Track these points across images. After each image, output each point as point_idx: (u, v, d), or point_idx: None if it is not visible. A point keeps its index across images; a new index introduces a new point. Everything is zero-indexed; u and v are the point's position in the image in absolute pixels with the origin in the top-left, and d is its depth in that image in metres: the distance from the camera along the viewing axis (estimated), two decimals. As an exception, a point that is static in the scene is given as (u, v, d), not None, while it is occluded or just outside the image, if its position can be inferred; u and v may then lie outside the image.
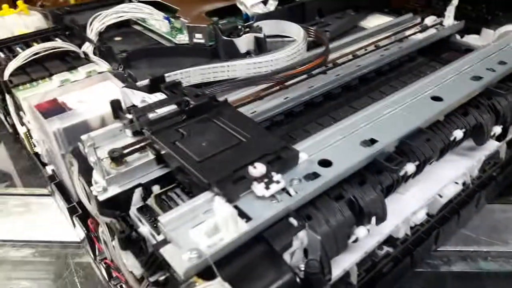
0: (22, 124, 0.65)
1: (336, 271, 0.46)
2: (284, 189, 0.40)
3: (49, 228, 0.62)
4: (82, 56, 0.70)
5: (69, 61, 0.67)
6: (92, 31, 0.72)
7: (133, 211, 0.45)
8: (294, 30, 0.71)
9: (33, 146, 0.65)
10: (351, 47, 0.73)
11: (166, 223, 0.37)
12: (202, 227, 0.37)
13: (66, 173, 0.55)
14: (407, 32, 0.78)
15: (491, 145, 0.65)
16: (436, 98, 0.55)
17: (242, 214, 0.38)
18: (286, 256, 0.38)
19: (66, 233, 0.59)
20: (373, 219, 0.49)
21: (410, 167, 0.51)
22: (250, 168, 0.40)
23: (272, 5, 0.81)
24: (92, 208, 0.46)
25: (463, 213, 0.57)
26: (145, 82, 0.55)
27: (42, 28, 0.81)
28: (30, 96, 0.57)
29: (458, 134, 0.57)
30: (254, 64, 0.61)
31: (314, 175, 0.43)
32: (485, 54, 0.67)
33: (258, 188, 0.39)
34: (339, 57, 0.69)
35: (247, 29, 0.71)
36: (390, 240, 0.53)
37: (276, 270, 0.35)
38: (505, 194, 0.65)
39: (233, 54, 0.68)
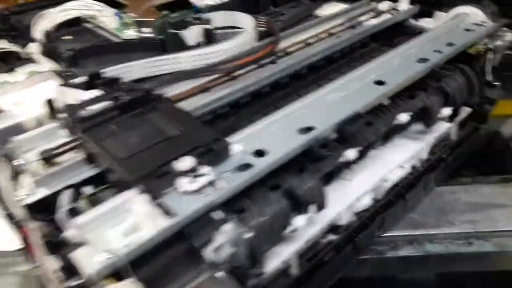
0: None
1: (274, 263, 0.46)
2: (212, 183, 0.40)
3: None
4: (23, 56, 0.68)
5: (9, 62, 0.66)
6: (38, 31, 0.71)
7: (60, 214, 0.44)
8: (245, 21, 0.70)
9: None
10: (303, 35, 0.72)
11: (81, 225, 0.36)
12: (121, 227, 0.36)
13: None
14: (361, 18, 0.78)
15: (441, 127, 0.65)
16: (379, 82, 0.55)
17: (167, 211, 0.37)
18: (210, 252, 0.37)
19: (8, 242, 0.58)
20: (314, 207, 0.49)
21: (350, 153, 0.51)
22: (176, 163, 0.40)
23: (224, -4, 0.79)
24: (21, 212, 0.45)
25: (410, 197, 0.57)
26: (83, 79, 0.54)
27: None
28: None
29: (403, 117, 0.57)
30: (199, 55, 0.60)
31: (247, 166, 0.42)
32: (433, 36, 0.67)
33: (182, 183, 0.39)
34: (290, 46, 0.69)
35: (197, 21, 0.70)
36: (334, 228, 0.53)
37: (193, 268, 0.35)
38: (455, 175, 0.66)
39: (182, 47, 0.67)
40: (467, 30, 0.70)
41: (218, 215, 0.38)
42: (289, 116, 0.49)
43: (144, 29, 0.71)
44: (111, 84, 0.53)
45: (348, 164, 0.53)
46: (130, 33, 0.74)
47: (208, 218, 0.38)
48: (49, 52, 0.70)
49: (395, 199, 0.56)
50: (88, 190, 0.45)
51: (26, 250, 0.52)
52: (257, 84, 0.60)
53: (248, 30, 0.66)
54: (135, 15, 0.73)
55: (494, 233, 0.56)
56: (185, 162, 0.39)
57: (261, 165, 0.42)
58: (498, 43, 0.72)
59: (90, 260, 0.33)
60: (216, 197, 0.38)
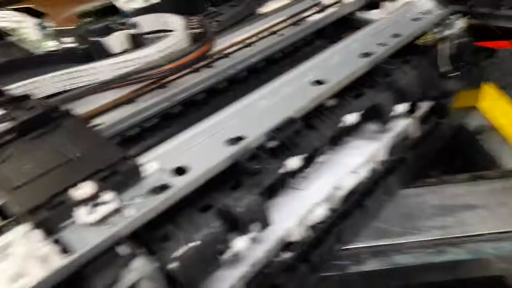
0: None
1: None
2: (120, 210, 0.33)
3: None
4: None
5: None
6: None
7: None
8: (174, 22, 0.64)
9: None
10: (242, 35, 0.65)
11: None
12: (5, 270, 0.29)
13: None
14: (305, 14, 0.72)
15: (398, 125, 0.60)
16: (317, 82, 0.49)
17: (64, 248, 0.30)
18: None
19: None
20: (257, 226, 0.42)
21: (293, 162, 0.45)
22: (72, 191, 0.32)
23: (153, -2, 0.73)
24: None
25: (370, 203, 0.51)
26: (-22, 99, 0.46)
27: None
28: None
29: (351, 118, 0.51)
30: (119, 63, 0.53)
31: (162, 188, 0.35)
32: (377, 28, 0.62)
33: (80, 214, 0.31)
34: (228, 47, 0.62)
35: (122, 27, 0.62)
36: (286, 246, 0.46)
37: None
38: (420, 176, 0.60)
39: (107, 55, 0.60)
40: (414, 19, 0.66)
41: (124, 249, 0.30)
42: (216, 127, 0.43)
43: (66, 39, 0.64)
44: (15, 102, 0.45)
45: (294, 174, 0.47)
46: (51, 44, 0.66)
47: (113, 254, 0.30)
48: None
49: (353, 208, 0.49)
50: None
51: None
52: (188, 90, 0.53)
53: (177, 32, 0.60)
54: (55, 24, 0.66)
55: (466, 239, 0.50)
56: (83, 189, 0.32)
57: (180, 185, 0.35)
58: (449, 31, 0.68)
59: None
60: (122, 228, 0.31)
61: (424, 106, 0.65)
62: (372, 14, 0.75)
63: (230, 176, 0.42)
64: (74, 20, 0.65)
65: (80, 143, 0.38)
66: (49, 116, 0.41)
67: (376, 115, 0.55)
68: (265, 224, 0.42)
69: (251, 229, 0.41)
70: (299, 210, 0.47)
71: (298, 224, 0.46)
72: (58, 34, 0.64)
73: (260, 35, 0.65)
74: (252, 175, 0.42)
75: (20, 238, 0.30)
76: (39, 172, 0.35)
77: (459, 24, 0.70)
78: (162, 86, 0.54)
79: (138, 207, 0.33)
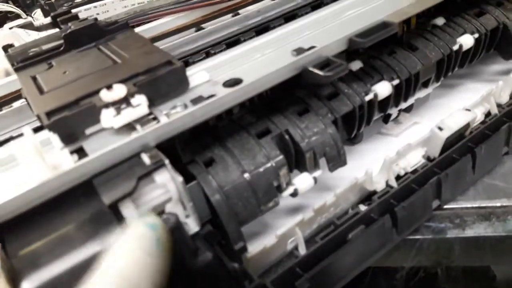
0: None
1: (268, 240, 0.32)
2: (154, 119, 0.28)
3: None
4: (24, 17, 0.62)
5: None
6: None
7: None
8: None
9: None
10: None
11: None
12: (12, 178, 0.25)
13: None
14: None
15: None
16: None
17: (80, 152, 0.26)
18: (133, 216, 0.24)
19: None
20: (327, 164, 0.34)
21: (382, 87, 0.36)
22: (103, 92, 0.28)
23: None
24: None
25: (482, 152, 0.39)
26: (46, 20, 0.45)
27: None
28: None
29: (467, 40, 0.40)
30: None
31: (208, 97, 0.29)
32: None
33: (105, 116, 0.27)
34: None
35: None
36: (365, 196, 0.37)
37: (96, 235, 0.22)
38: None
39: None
40: None
41: (147, 159, 0.25)
42: (284, 38, 0.35)
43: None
44: (70, 21, 0.43)
45: (383, 107, 0.38)
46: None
47: (132, 163, 0.25)
48: (49, 11, 0.62)
49: (460, 156, 0.38)
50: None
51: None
52: (261, 15, 0.46)
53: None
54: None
55: None
56: (114, 91, 0.27)
57: (225, 93, 0.28)
58: None
59: None
60: (144, 134, 0.26)
61: None
62: None
63: (297, 101, 0.34)
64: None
65: (128, 50, 0.33)
66: (103, 29, 0.38)
67: (501, 42, 0.43)
68: (338, 161, 0.33)
69: (319, 165, 0.33)
70: (384, 153, 0.38)
71: (383, 169, 0.37)
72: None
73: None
74: (327, 99, 0.34)
75: (29, 140, 0.26)
76: (74, 77, 0.31)
77: None
78: (235, 12, 0.48)
79: (174, 115, 0.27)
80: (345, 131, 0.36)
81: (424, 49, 0.38)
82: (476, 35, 0.41)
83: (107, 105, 0.27)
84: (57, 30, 0.43)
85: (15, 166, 0.27)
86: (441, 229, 0.38)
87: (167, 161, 0.25)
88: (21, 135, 0.37)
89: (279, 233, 0.32)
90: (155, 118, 0.28)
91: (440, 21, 0.41)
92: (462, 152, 0.39)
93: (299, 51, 0.32)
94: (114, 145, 0.25)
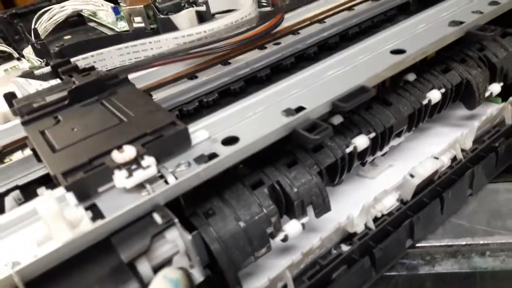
0: None
1: (259, 281, 0.36)
2: (162, 177, 0.31)
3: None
4: (16, 56, 0.64)
5: None
6: (38, 31, 0.66)
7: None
8: (244, 0, 0.61)
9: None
10: (314, 11, 0.61)
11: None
12: (35, 233, 0.28)
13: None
14: (386, -10, 0.66)
15: (490, 109, 0.52)
16: (397, 51, 0.43)
17: (99, 214, 0.28)
18: (147, 269, 0.27)
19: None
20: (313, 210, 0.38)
21: (361, 140, 0.40)
22: (114, 153, 0.31)
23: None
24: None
25: (449, 196, 0.44)
26: (46, 69, 0.47)
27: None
28: None
29: (435, 95, 0.45)
30: (183, 37, 0.52)
31: (211, 157, 0.32)
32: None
33: (118, 178, 0.29)
34: (298, 23, 0.58)
35: (191, 5, 0.62)
36: (346, 238, 0.41)
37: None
38: (512, 169, 0.51)
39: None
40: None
41: (158, 218, 0.28)
42: (276, 97, 0.39)
43: (136, 19, 0.64)
44: (74, 73, 0.46)
45: (361, 156, 0.42)
46: (124, 25, 0.68)
47: (145, 222, 0.28)
48: (40, 50, 0.64)
49: (430, 200, 0.43)
50: (41, 192, 0.38)
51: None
52: (250, 66, 0.50)
53: (245, 7, 0.57)
54: (127, 3, 0.66)
55: None
56: (125, 152, 0.30)
57: (226, 153, 0.32)
58: None
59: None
60: (156, 195, 0.29)
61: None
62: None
63: (286, 153, 0.38)
64: (144, 0, 0.66)
65: (132, 108, 0.36)
66: (105, 84, 0.41)
67: (465, 95, 0.48)
68: (323, 208, 0.37)
69: (307, 212, 0.37)
70: (364, 198, 0.42)
71: (362, 213, 0.41)
72: (130, 14, 0.65)
73: (334, 11, 0.61)
74: (313, 152, 0.38)
75: (52, 201, 0.29)
76: (84, 135, 0.34)
77: None
78: (226, 62, 0.52)
79: (181, 174, 0.30)
80: (328, 179, 0.40)
81: (397, 104, 0.43)
82: (443, 90, 0.46)
83: (119, 167, 0.30)
84: (57, 80, 0.46)
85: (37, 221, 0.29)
86: (414, 265, 0.43)
87: (176, 220, 0.28)
88: (28, 184, 0.40)
89: (271, 276, 0.35)
90: (162, 177, 0.31)
91: (411, 77, 0.46)
92: (431, 196, 0.43)
93: (288, 112, 0.36)
94: (129, 207, 0.27)
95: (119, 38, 0.64)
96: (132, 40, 0.61)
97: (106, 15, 0.72)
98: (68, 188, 0.29)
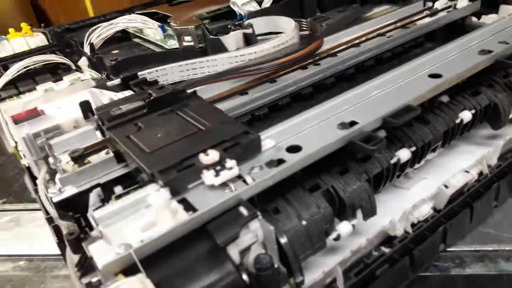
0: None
1: (314, 274, 0.40)
2: (240, 177, 0.36)
3: (35, 242, 0.60)
4: (73, 68, 0.70)
5: (58, 73, 0.67)
6: (88, 46, 0.72)
7: (90, 213, 0.42)
8: (285, 23, 0.67)
9: (21, 158, 0.64)
10: (350, 36, 0.67)
11: (100, 218, 0.33)
12: (139, 222, 0.33)
13: (40, 181, 0.53)
14: (415, 17, 0.72)
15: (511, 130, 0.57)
16: (434, 76, 0.48)
17: (189, 207, 0.33)
18: (235, 253, 0.32)
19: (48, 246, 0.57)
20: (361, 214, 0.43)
21: (403, 153, 0.45)
22: (201, 156, 0.36)
23: (267, 3, 0.77)
24: (52, 211, 0.44)
25: (477, 206, 0.49)
26: (117, 81, 0.53)
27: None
28: (10, 106, 0.57)
29: (466, 115, 0.50)
30: (235, 57, 0.58)
31: (278, 162, 0.37)
32: (499, 28, 0.59)
33: (207, 176, 0.35)
34: (336, 47, 0.64)
35: (237, 27, 0.68)
36: (387, 240, 0.46)
37: (215, 267, 0.30)
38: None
39: (222, 52, 0.65)
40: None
41: (244, 211, 0.33)
42: (329, 112, 0.44)
43: (186, 38, 0.70)
44: (142, 85, 0.52)
45: (402, 168, 0.47)
46: (173, 43, 0.74)
47: (236, 213, 0.33)
48: (95, 63, 0.70)
49: (460, 209, 0.48)
50: (119, 190, 0.43)
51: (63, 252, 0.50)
52: (296, 85, 0.56)
53: (288, 32, 0.63)
54: (177, 24, 0.73)
55: None
56: (210, 156, 0.36)
57: (294, 160, 0.37)
58: None
59: (103, 255, 0.29)
60: (242, 192, 0.34)
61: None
62: (489, 19, 0.72)
63: (338, 162, 0.43)
64: (194, 21, 0.72)
65: (206, 118, 0.42)
66: (178, 96, 0.46)
67: (492, 116, 0.53)
68: (370, 212, 0.42)
69: (356, 215, 0.42)
70: (401, 205, 0.47)
71: (402, 219, 0.45)
72: (179, 33, 0.71)
73: (367, 36, 0.67)
74: (362, 161, 0.43)
75: (154, 193, 0.34)
76: (169, 141, 0.39)
77: None
78: (272, 80, 0.58)
79: (256, 175, 0.36)
80: (374, 186, 0.45)
81: (434, 122, 0.48)
82: (473, 111, 0.51)
83: (206, 167, 0.35)
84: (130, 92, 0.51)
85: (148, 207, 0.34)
86: (446, 267, 0.48)
87: (259, 213, 0.33)
88: (108, 182, 0.44)
89: (326, 270, 0.40)
90: (240, 177, 0.36)
91: (445, 98, 0.52)
92: (462, 205, 0.48)
93: (343, 125, 0.41)
94: (220, 201, 0.33)
95: (170, 55, 0.70)
96: (182, 57, 0.67)
97: (154, 32, 0.78)
98: (165, 184, 0.34)
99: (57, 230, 0.51)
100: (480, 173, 0.52)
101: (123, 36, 0.87)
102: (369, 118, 0.41)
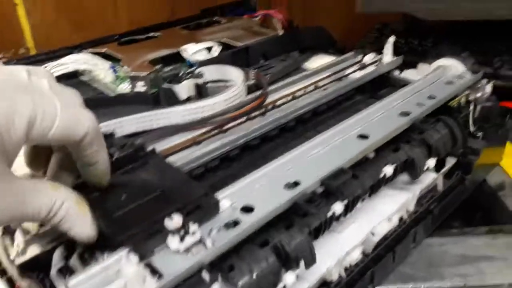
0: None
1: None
2: (201, 241, 0.41)
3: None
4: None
5: None
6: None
7: (52, 273, 0.44)
8: (235, 74, 0.73)
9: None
10: (291, 88, 0.74)
11: (72, 286, 0.36)
12: (116, 288, 0.37)
13: None
14: (347, 71, 0.81)
15: (428, 178, 0.67)
16: (363, 136, 0.57)
17: (154, 271, 0.37)
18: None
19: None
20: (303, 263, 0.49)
21: (337, 207, 0.52)
22: (166, 221, 0.40)
23: (216, 52, 0.83)
24: (12, 271, 0.45)
25: (399, 249, 0.57)
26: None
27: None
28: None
29: (388, 170, 0.59)
30: (190, 110, 0.62)
31: (235, 223, 0.43)
32: (415, 89, 0.70)
33: (173, 242, 0.39)
34: (279, 99, 0.71)
35: (189, 76, 0.72)
36: (325, 284, 0.53)
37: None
38: (443, 226, 0.66)
39: (174, 101, 0.69)
40: (448, 82, 0.73)
41: (206, 275, 0.38)
42: (275, 171, 0.50)
43: (138, 83, 0.73)
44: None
45: (337, 218, 0.54)
46: (124, 87, 0.76)
47: (200, 278, 0.38)
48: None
49: (385, 253, 0.56)
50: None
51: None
52: (246, 136, 0.62)
53: (238, 84, 0.69)
54: (129, 69, 0.76)
55: (483, 287, 0.56)
56: (174, 220, 0.40)
57: (249, 222, 0.43)
58: (478, 94, 0.75)
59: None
60: (205, 256, 0.39)
61: (451, 162, 0.72)
62: (408, 73, 0.83)
63: (284, 216, 0.49)
64: (147, 67, 0.75)
65: (165, 179, 0.46)
66: (138, 154, 0.50)
67: (410, 168, 0.62)
68: (311, 261, 0.49)
69: (299, 266, 0.48)
70: (337, 251, 0.54)
71: (337, 265, 0.53)
72: (132, 78, 0.74)
73: (306, 90, 0.74)
74: (303, 217, 0.50)
75: (125, 259, 0.38)
76: (134, 203, 0.43)
77: (488, 88, 0.78)
78: (223, 131, 0.63)
79: (216, 238, 0.41)
80: (313, 236, 0.52)
81: (361, 177, 0.56)
82: (394, 166, 0.60)
83: (172, 232, 0.40)
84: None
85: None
86: (373, 305, 0.55)
87: (219, 276, 0.38)
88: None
89: (273, 316, 0.46)
90: (200, 241, 0.41)
91: (371, 154, 0.60)
92: (386, 250, 0.57)
93: (288, 186, 0.48)
94: (185, 267, 0.37)
95: (121, 100, 0.72)
96: (134, 103, 0.71)
97: (104, 74, 0.80)
98: (132, 251, 0.38)
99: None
100: (401, 218, 0.61)
101: (70, 73, 0.88)
102: (311, 180, 0.48)
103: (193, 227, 0.40)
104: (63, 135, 0.35)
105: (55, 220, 0.36)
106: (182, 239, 0.39)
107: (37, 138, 0.33)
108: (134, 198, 0.44)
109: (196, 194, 0.43)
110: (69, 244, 0.45)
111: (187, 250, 0.39)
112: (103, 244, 0.44)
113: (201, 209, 0.42)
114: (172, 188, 0.45)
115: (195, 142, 0.60)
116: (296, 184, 0.48)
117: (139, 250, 0.38)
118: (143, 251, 0.38)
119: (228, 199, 0.46)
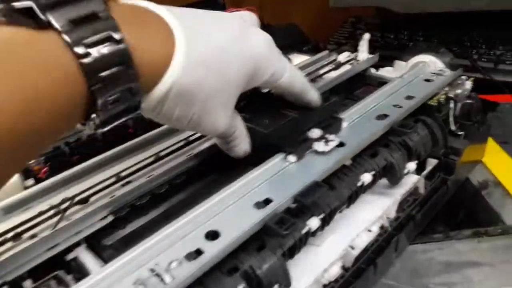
0: None
1: None
2: (158, 276, 0.36)
3: None
4: None
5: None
6: None
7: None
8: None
9: None
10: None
11: None
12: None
13: None
14: (322, 71, 0.77)
15: (408, 181, 0.63)
16: (339, 145, 0.53)
17: None
18: None
19: None
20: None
21: (313, 222, 0.48)
22: (310, 132, 0.52)
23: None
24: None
25: (381, 261, 0.54)
26: None
27: None
28: None
29: (366, 177, 0.55)
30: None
31: (197, 253, 0.39)
32: (392, 90, 0.66)
33: (319, 146, 0.50)
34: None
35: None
36: (303, 304, 0.49)
37: None
38: (426, 230, 0.63)
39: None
40: (427, 80, 0.70)
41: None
42: (244, 189, 0.46)
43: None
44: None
45: (313, 234, 0.50)
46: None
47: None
48: None
49: (366, 266, 0.52)
50: (28, 285, 0.42)
51: None
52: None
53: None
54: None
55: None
56: (316, 132, 0.52)
57: (214, 250, 0.39)
58: (458, 91, 0.72)
59: None
60: (164, 293, 0.34)
61: (432, 163, 0.69)
62: (385, 71, 0.80)
63: (255, 237, 0.45)
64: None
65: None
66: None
67: (389, 173, 0.59)
68: (286, 285, 0.45)
69: (274, 289, 0.44)
70: (315, 267, 0.50)
71: (315, 283, 0.49)
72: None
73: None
74: (276, 237, 0.45)
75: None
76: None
77: (468, 84, 0.74)
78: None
79: (174, 273, 0.36)
80: (288, 255, 0.48)
81: (339, 187, 0.52)
82: (373, 173, 0.56)
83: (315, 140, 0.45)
84: None
85: None
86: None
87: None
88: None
89: None
90: (158, 275, 0.36)
91: (348, 161, 0.56)
92: (367, 263, 0.53)
93: (258, 205, 0.44)
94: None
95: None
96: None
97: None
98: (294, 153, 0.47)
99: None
100: (382, 227, 0.57)
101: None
102: (283, 196, 0.44)
103: (331, 136, 0.51)
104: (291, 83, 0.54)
105: (235, 135, 0.49)
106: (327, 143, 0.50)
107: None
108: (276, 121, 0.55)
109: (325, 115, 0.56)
110: (15, 281, 0.41)
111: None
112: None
113: (330, 126, 0.54)
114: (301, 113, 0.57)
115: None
116: (267, 202, 0.44)
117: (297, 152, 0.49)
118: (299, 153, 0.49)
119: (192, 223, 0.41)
